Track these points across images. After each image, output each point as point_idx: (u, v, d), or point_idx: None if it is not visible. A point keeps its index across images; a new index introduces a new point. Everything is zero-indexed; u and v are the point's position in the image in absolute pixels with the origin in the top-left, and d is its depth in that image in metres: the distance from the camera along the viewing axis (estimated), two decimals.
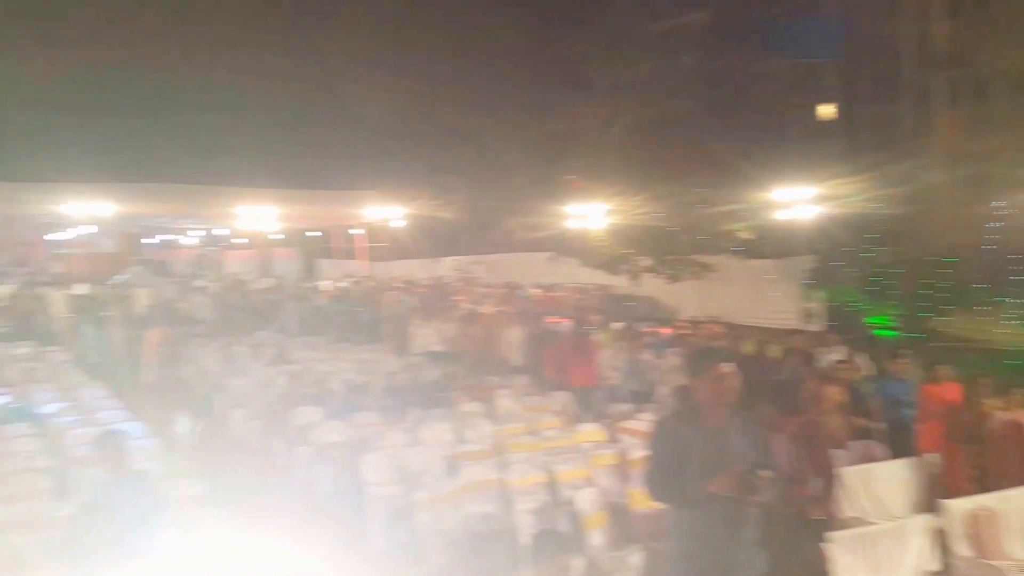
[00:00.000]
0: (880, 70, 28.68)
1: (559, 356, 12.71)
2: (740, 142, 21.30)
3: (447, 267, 28.57)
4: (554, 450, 8.70)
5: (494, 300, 18.49)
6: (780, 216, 19.66)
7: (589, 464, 8.16)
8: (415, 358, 14.43)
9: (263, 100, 31.71)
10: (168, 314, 17.47)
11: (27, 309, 18.23)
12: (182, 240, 35.09)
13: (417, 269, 28.11)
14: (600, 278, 24.06)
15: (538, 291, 20.16)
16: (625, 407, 10.60)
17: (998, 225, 16.74)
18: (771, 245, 21.47)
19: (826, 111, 30.45)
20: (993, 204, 16.89)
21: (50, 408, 9.95)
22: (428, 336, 14.99)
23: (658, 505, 4.49)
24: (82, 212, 18.89)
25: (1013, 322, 15.36)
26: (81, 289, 21.65)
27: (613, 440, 9.15)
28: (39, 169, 17.84)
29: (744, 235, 21.98)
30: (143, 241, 34.90)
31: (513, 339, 14.50)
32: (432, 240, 29.34)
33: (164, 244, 36.22)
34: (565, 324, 14.66)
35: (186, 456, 8.21)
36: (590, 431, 9.40)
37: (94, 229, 27.34)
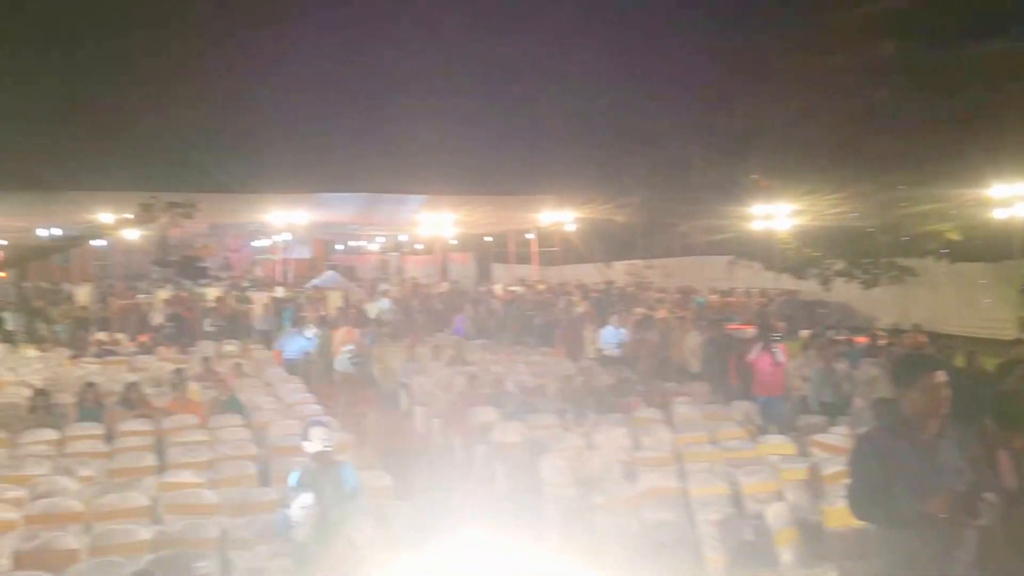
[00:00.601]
0: None
1: (742, 364, 12.30)
2: (947, 134, 19.62)
3: (620, 271, 28.38)
4: (737, 461, 8.39)
5: (670, 305, 18.14)
6: (994, 215, 18.03)
7: (777, 478, 7.81)
8: (589, 362, 14.43)
9: (443, 108, 33.01)
10: (356, 315, 18.49)
11: (233, 310, 19.91)
12: (368, 246, 37.07)
13: (590, 273, 28.11)
14: (786, 283, 23.02)
15: (716, 296, 19.58)
16: (816, 419, 10.05)
17: None
18: (983, 247, 19.72)
19: None
20: None
21: (256, 400, 10.77)
22: (602, 340, 14.92)
23: (860, 524, 4.20)
24: (281, 221, 20.30)
25: None
26: (280, 292, 23.40)
27: (803, 454, 8.71)
28: (247, 181, 19.41)
29: (951, 236, 20.26)
30: (335, 247, 37.24)
31: (691, 345, 14.16)
32: (606, 244, 29.26)
33: (352, 250, 38.42)
34: (748, 331, 14.15)
35: (373, 449, 8.60)
36: (777, 443, 8.99)
37: (290, 236, 29.50)
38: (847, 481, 4.10)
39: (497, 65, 34.31)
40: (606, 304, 19.17)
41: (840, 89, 21.13)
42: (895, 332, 14.98)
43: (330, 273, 27.96)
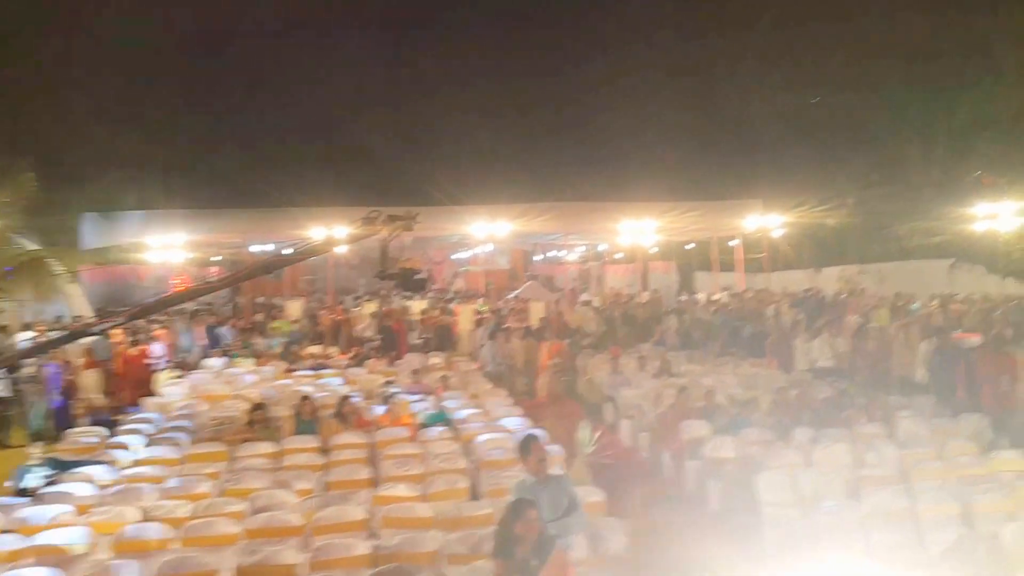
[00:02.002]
0: None
1: (970, 375, 11.48)
2: None
3: (832, 277, 26.95)
4: (969, 479, 7.88)
5: (887, 312, 17.05)
6: None
7: (1012, 496, 7.28)
8: (802, 374, 13.90)
9: (644, 113, 32.93)
10: (560, 327, 18.78)
11: (439, 322, 20.77)
12: (567, 256, 37.47)
13: (800, 280, 26.91)
14: (1011, 287, 20.96)
15: (936, 302, 18.15)
16: None
17: None
18: None
19: None
20: None
21: (462, 413, 11.01)
22: (816, 351, 14.31)
23: None
24: (482, 232, 21.01)
25: None
26: (482, 303, 24.13)
27: None
28: (452, 194, 20.18)
29: None
30: (533, 258, 37.93)
31: (914, 355, 13.31)
32: (817, 249, 27.90)
33: (551, 260, 38.96)
34: (975, 339, 13.10)
35: (583, 464, 8.75)
36: (1010, 459, 8.35)
37: (491, 248, 30.33)
38: None
39: (698, 67, 33.73)
40: (817, 312, 18.33)
41: None
42: None
43: (531, 283, 28.53)
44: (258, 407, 10.16)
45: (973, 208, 19.68)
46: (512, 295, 26.35)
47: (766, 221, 20.79)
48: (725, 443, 9.24)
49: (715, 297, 22.93)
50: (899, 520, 7.01)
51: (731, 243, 24.59)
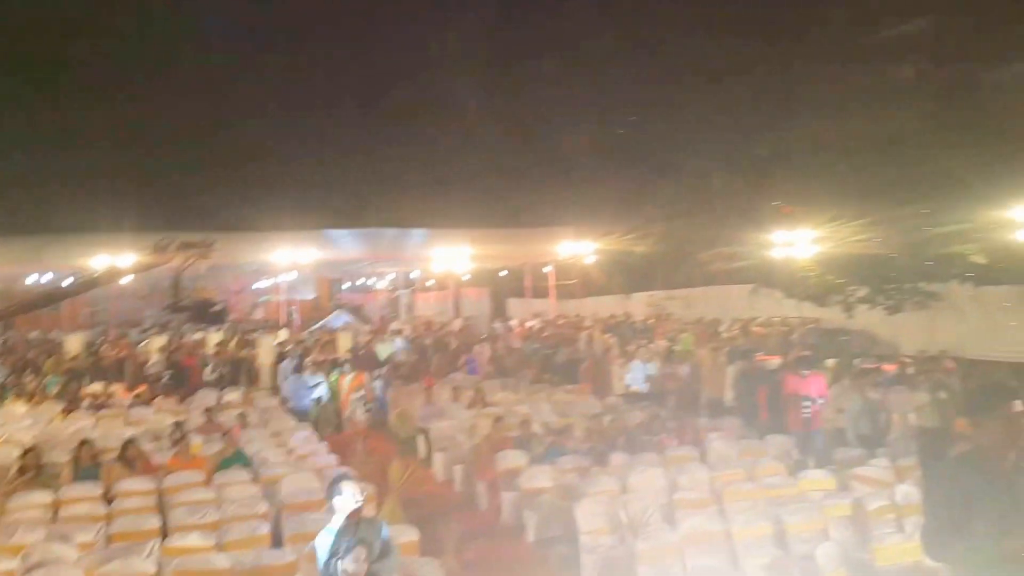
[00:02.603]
0: None
1: (774, 396, 12.12)
2: (972, 156, 19.63)
3: (642, 303, 28.13)
4: (779, 499, 8.21)
5: (694, 337, 17.96)
6: (1018, 237, 17.84)
7: (822, 515, 7.64)
8: (616, 399, 14.22)
9: (454, 137, 32.98)
10: (367, 358, 18.27)
11: (236, 356, 19.65)
12: (377, 283, 36.91)
13: (611, 305, 27.86)
14: (808, 311, 22.81)
15: (739, 326, 19.40)
16: (854, 452, 9.86)
17: None
18: (1009, 270, 19.51)
19: None
20: None
21: (263, 453, 10.38)
22: (628, 376, 14.74)
23: (912, 561, 4.03)
24: (284, 259, 20.20)
25: None
26: (284, 334, 23.12)
27: (845, 488, 8.55)
28: (249, 219, 19.31)
29: (976, 259, 20.11)
30: (340, 286, 37.06)
31: (722, 378, 13.97)
32: (626, 275, 29.03)
33: (359, 288, 38.23)
34: (776, 361, 13.97)
35: (395, 501, 8.38)
36: (817, 478, 8.82)
37: (295, 275, 29.29)
38: (920, 519, 3.94)
39: (513, 93, 34.28)
40: (629, 337, 18.99)
41: (861, 113, 21.18)
42: (924, 359, 14.78)
43: (338, 313, 27.81)
44: (30, 452, 9.43)
45: (772, 236, 21.21)
46: (317, 326, 25.50)
47: (578, 248, 21.37)
48: (541, 472, 9.17)
49: (529, 324, 23.27)
50: (714, 543, 7.13)
51: (544, 269, 25.11)
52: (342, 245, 19.00)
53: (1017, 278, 19.12)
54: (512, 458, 9.82)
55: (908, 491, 7.79)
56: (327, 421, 14.76)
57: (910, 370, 14.76)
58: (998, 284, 20.01)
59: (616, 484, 8.67)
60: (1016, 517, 3.55)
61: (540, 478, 9.07)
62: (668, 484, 8.72)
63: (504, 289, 31.92)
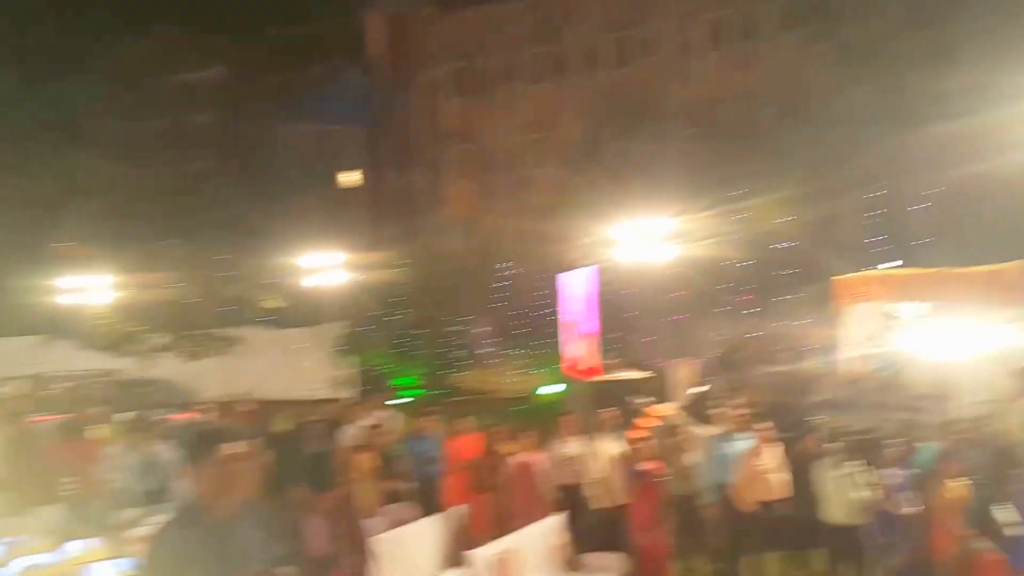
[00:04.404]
0: (401, 141, 31.25)
1: (49, 461, 11.08)
2: (264, 207, 21.28)
3: None
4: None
5: None
6: (309, 283, 19.81)
7: None
8: None
9: None
10: None
11: None
12: None
13: None
14: (104, 362, 21.78)
15: (25, 384, 17.48)
16: (132, 512, 9.50)
17: (504, 285, 19.13)
18: (301, 313, 21.61)
19: (352, 178, 32.06)
20: (499, 266, 19.28)
21: None
22: None
23: None
24: None
25: (516, 371, 17.67)
26: None
27: (121, 554, 8.15)
28: None
29: (272, 304, 21.86)
30: None
31: None
32: None
33: None
34: (54, 421, 12.88)
35: None
36: (86, 550, 8.21)
37: None
38: None
39: None
40: None
41: (154, 156, 21.31)
42: (221, 404, 15.32)
43: None
44: None
45: (62, 280, 19.49)
46: None
47: None
48: None
49: None
50: None
51: None
52: None
53: (309, 320, 21.25)
54: None
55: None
56: None
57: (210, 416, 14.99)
58: (293, 327, 21.92)
59: None
60: (240, 566, 3.57)
61: None
62: None
63: None
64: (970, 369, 8.80)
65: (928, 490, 6.66)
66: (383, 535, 7.36)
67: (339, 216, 24.17)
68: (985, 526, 6.32)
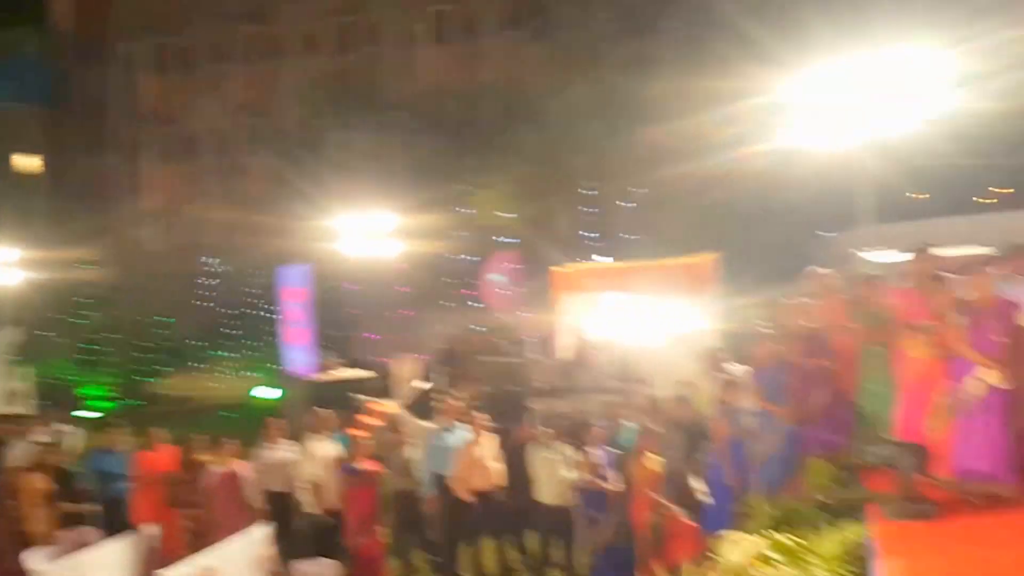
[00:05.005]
0: (89, 121, 28.69)
1: None
2: None
3: None
4: None
5: None
6: None
7: None
8: None
9: None
10: None
11: None
12: None
13: None
14: None
15: None
16: None
17: (211, 282, 18.12)
18: None
19: (29, 163, 29.04)
20: (204, 261, 18.24)
21: None
22: None
23: None
24: None
25: (227, 375, 16.85)
26: None
27: None
28: None
29: None
30: None
31: None
32: None
33: None
34: None
35: None
36: None
37: None
38: None
39: None
40: None
41: None
42: None
43: None
44: None
45: None
46: None
47: None
48: None
49: None
50: None
51: None
52: None
53: None
54: None
55: None
56: None
57: None
58: None
59: None
60: None
61: None
62: None
63: None
64: (665, 353, 9.60)
65: (628, 466, 7.15)
66: (58, 562, 6.76)
67: (13, 207, 21.92)
68: (679, 496, 6.89)
